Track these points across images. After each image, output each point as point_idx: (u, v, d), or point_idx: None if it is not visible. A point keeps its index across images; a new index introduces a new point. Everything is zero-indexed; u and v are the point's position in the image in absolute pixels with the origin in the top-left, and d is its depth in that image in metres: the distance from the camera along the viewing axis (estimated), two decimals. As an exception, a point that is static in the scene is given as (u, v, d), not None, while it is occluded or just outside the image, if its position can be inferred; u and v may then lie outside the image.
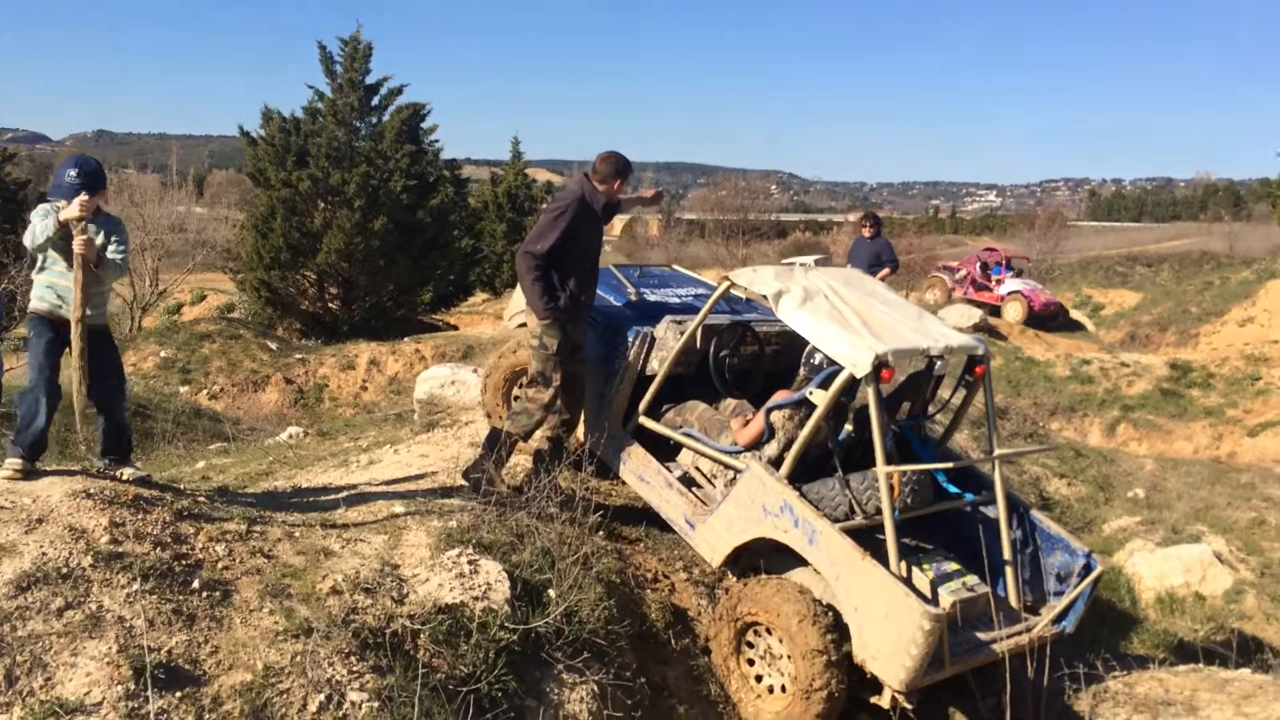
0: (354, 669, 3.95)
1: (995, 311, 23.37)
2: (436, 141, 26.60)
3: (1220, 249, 43.85)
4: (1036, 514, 5.86)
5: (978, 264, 24.96)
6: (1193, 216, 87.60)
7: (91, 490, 4.59)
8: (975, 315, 19.99)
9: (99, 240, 4.83)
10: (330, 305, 24.63)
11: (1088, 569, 5.56)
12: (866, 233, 12.35)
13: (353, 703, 3.79)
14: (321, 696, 3.77)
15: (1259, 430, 14.43)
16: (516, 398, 6.71)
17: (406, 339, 20.19)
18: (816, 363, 5.54)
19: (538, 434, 6.07)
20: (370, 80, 24.24)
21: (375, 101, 24.46)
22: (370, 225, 22.78)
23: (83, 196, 4.69)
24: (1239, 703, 5.17)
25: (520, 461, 6.50)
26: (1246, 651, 6.70)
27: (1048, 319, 23.34)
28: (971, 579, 5.35)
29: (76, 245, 4.66)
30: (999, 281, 24.24)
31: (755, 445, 5.56)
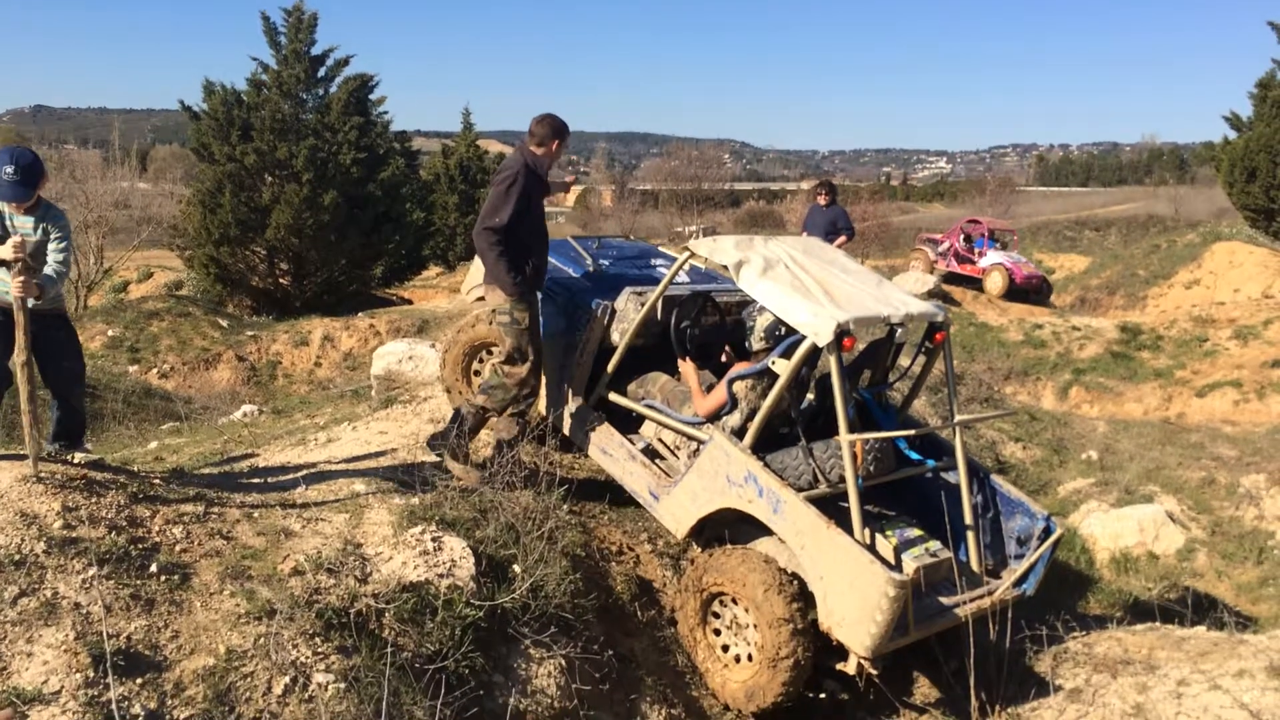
0: (319, 650, 3.90)
1: (978, 284, 23.12)
2: (386, 113, 26.20)
3: (1166, 212, 44.62)
4: (996, 479, 5.92)
5: (961, 236, 24.52)
6: (1139, 180, 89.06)
7: (43, 474, 4.48)
8: (930, 282, 20.13)
9: (36, 237, 4.64)
10: (281, 281, 24.27)
11: (1047, 532, 5.62)
12: (822, 201, 12.36)
13: (319, 684, 3.75)
14: (287, 679, 3.72)
15: (1207, 390, 14.68)
16: (478, 373, 6.64)
17: (360, 314, 19.98)
18: (769, 330, 5.53)
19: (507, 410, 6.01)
20: (316, 51, 23.80)
21: (321, 73, 24.04)
22: (320, 199, 22.45)
23: (15, 238, 4.45)
24: (1196, 660, 5.26)
25: (483, 437, 6.44)
26: (1200, 609, 6.83)
27: (1030, 292, 23.10)
28: (934, 544, 5.40)
29: (15, 287, 4.43)
30: (981, 254, 23.83)
31: (717, 415, 5.55)
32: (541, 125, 5.85)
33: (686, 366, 5.85)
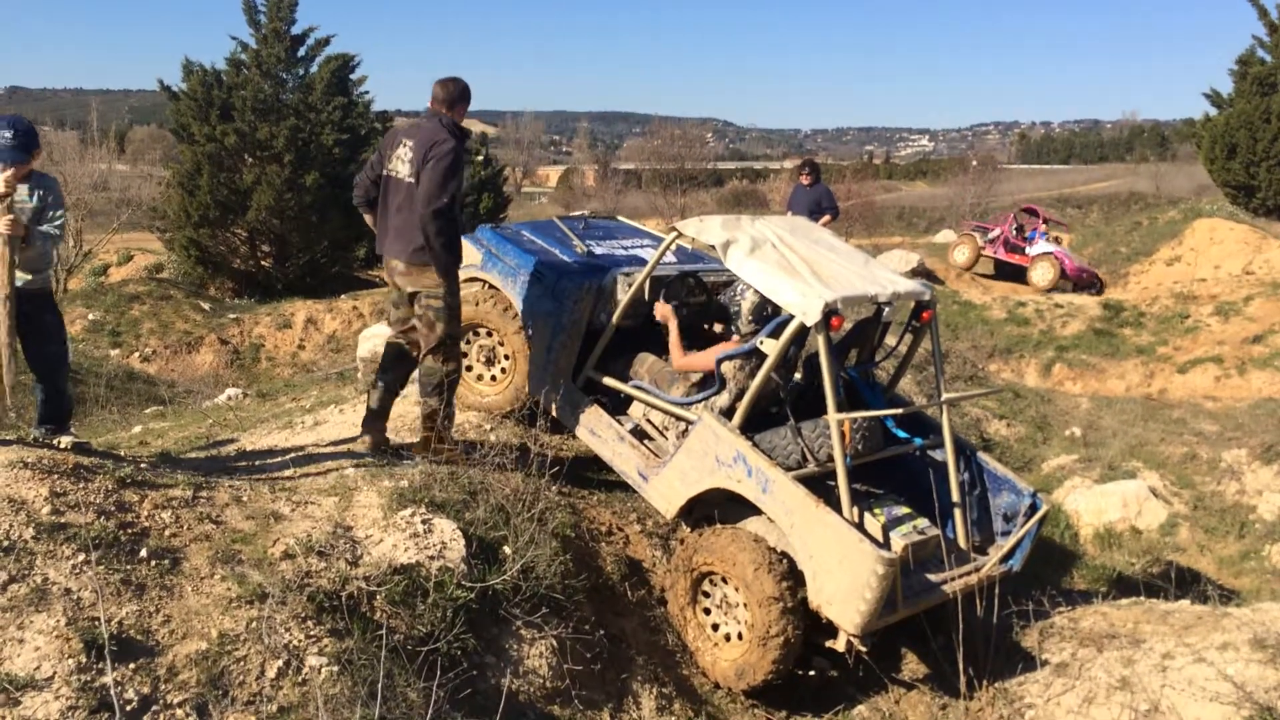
0: (311, 633, 3.90)
1: (1023, 275, 21.73)
2: (367, 93, 26.00)
3: (1147, 189, 44.82)
4: (983, 456, 5.95)
5: (1013, 225, 22.95)
6: (1120, 158, 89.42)
7: (29, 460, 4.45)
8: (914, 260, 20.18)
9: (33, 204, 4.72)
10: (263, 263, 24.12)
11: (1033, 508, 5.67)
12: (805, 180, 12.35)
13: (312, 667, 3.75)
14: (280, 662, 3.72)
15: (1188, 367, 14.77)
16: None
17: (343, 296, 19.90)
18: (756, 311, 5.54)
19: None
20: (296, 30, 23.59)
21: (302, 52, 23.83)
22: (301, 180, 22.30)
23: (7, 172, 4.55)
24: (1180, 633, 5.32)
25: (470, 418, 6.44)
26: (1184, 583, 6.91)
27: (1082, 286, 21.44)
28: (922, 522, 5.43)
29: (1, 225, 4.51)
30: (1033, 244, 22.18)
31: (702, 386, 5.57)
32: (453, 91, 5.59)
33: (664, 309, 5.81)
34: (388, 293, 5.77)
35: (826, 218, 11.59)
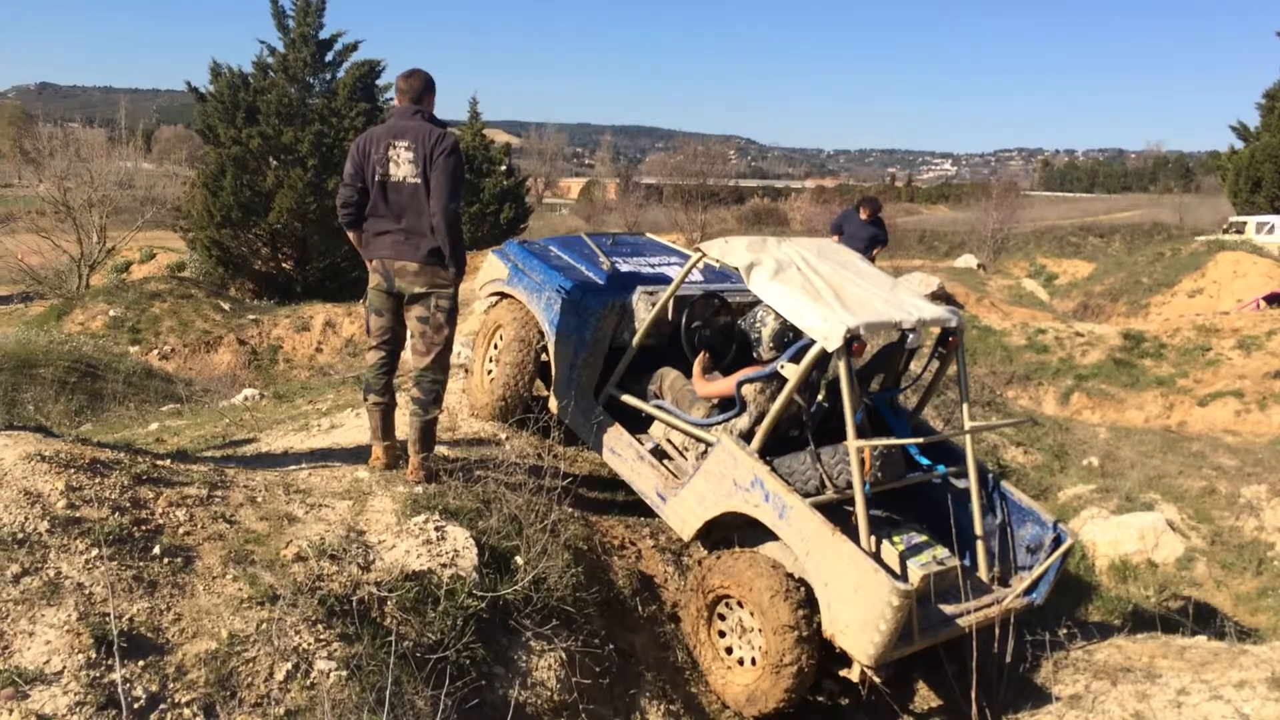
0: (321, 637, 3.88)
1: None
2: (392, 100, 26.18)
3: (1170, 220, 44.71)
4: (1007, 485, 5.85)
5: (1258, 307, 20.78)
6: (1143, 188, 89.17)
7: (46, 453, 4.45)
8: (934, 283, 20.10)
9: None
10: (284, 265, 24.28)
11: (1058, 541, 5.57)
12: (864, 215, 12.11)
13: (321, 671, 3.73)
14: (289, 665, 3.70)
15: (1209, 400, 14.65)
16: (494, 360, 6.53)
17: (362, 300, 19.94)
18: (776, 337, 5.51)
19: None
20: (323, 35, 23.79)
21: (329, 58, 24.03)
22: (324, 185, 22.44)
23: None
24: (1197, 669, 5.24)
25: (486, 428, 6.43)
26: (1200, 618, 6.81)
27: None
28: (941, 552, 5.35)
29: None
30: None
31: (724, 408, 5.52)
32: (423, 81, 5.43)
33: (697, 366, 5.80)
34: (366, 304, 5.65)
35: (878, 249, 11.74)
